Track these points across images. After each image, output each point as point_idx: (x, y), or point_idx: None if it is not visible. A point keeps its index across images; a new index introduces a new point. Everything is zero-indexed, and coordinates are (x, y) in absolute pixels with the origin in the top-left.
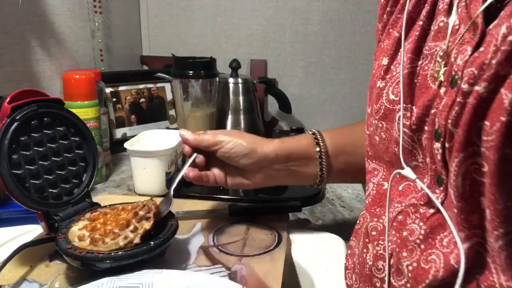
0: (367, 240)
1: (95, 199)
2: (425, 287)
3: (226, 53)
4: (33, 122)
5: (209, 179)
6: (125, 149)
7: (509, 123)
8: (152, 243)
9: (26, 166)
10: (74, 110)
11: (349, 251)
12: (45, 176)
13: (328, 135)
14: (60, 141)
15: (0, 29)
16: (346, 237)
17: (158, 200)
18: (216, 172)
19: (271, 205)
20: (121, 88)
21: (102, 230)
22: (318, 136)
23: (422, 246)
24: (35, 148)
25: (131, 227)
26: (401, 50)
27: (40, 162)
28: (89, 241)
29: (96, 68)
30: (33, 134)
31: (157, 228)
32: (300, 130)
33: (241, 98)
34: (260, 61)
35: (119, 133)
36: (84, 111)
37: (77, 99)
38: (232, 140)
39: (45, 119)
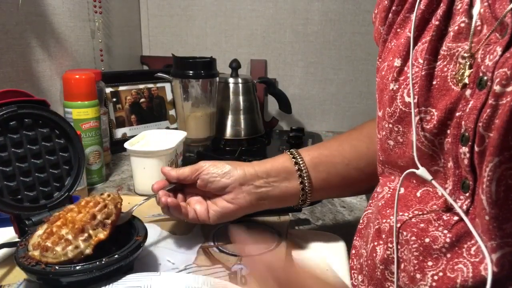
0: (375, 243)
1: None
2: None
3: (226, 53)
4: (11, 123)
5: (187, 211)
6: (125, 149)
7: None
8: (104, 260)
9: (1, 168)
10: (74, 110)
11: (353, 251)
12: (21, 178)
13: (304, 151)
14: (43, 143)
15: (0, 29)
16: (346, 237)
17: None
18: (197, 207)
19: None
20: (121, 88)
21: (56, 236)
22: (294, 152)
23: (448, 255)
24: (13, 150)
25: (85, 235)
26: (411, 49)
27: (17, 164)
28: (39, 250)
29: (96, 68)
30: (11, 135)
31: (123, 239)
32: (300, 130)
33: (241, 98)
34: (260, 61)
35: (119, 133)
36: (84, 111)
37: (77, 99)
38: (211, 163)
39: (25, 120)
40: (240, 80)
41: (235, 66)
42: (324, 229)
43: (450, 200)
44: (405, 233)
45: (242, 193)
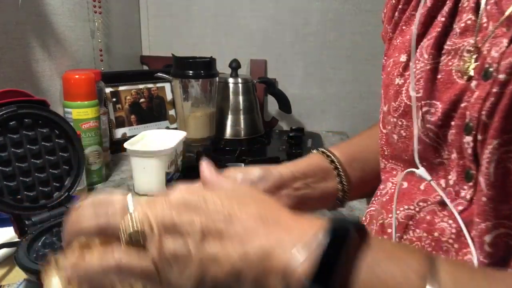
0: (379, 238)
1: None
2: None
3: (226, 53)
4: (11, 123)
5: None
6: (125, 149)
7: None
8: None
9: (1, 168)
10: (74, 110)
11: None
12: (21, 178)
13: (333, 149)
14: (43, 143)
15: (0, 29)
16: None
17: None
18: None
19: None
20: (121, 88)
21: None
22: (325, 151)
23: (456, 246)
24: (13, 150)
25: None
26: (421, 45)
27: (16, 164)
28: None
29: (96, 68)
30: (11, 135)
31: None
32: (300, 130)
33: (241, 98)
34: (260, 61)
35: (119, 133)
36: (84, 111)
37: (77, 99)
38: (240, 170)
39: (25, 120)
40: (240, 80)
41: (235, 66)
42: None
43: (444, 196)
44: (418, 230)
45: (280, 197)
